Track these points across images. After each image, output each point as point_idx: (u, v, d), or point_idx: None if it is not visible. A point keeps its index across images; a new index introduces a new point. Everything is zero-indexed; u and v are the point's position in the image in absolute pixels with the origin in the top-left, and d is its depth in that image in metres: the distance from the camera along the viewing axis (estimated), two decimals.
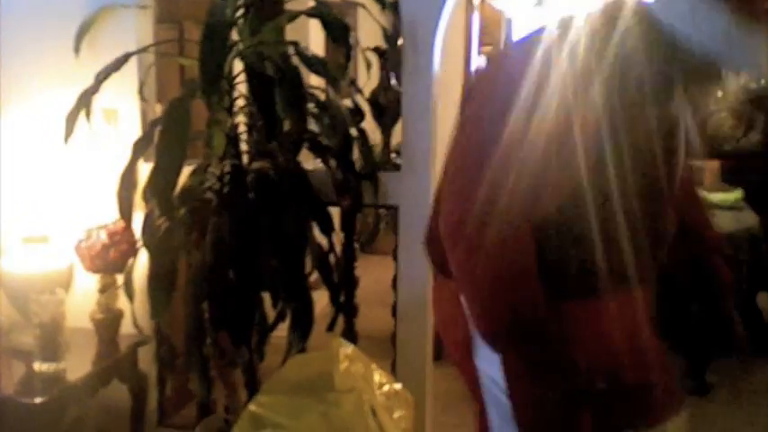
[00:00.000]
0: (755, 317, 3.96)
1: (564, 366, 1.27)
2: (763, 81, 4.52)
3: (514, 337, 1.26)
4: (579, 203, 1.24)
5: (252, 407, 1.64)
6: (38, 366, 2.23)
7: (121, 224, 2.33)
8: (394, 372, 2.58)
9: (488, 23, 8.96)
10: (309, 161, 2.43)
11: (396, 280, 2.59)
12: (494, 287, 1.21)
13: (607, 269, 1.27)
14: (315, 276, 2.33)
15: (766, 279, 3.91)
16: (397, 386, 1.91)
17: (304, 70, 2.24)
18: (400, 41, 2.49)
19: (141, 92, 2.46)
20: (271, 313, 2.28)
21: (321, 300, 2.36)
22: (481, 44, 8.16)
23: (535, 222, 1.21)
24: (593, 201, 1.24)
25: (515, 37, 9.16)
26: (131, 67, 2.34)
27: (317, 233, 2.33)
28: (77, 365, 2.32)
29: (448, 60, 2.84)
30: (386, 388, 1.90)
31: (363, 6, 2.38)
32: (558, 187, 1.23)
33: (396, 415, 1.85)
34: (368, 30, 2.75)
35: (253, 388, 2.16)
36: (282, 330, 2.28)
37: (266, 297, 2.26)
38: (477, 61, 7.44)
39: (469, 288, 1.28)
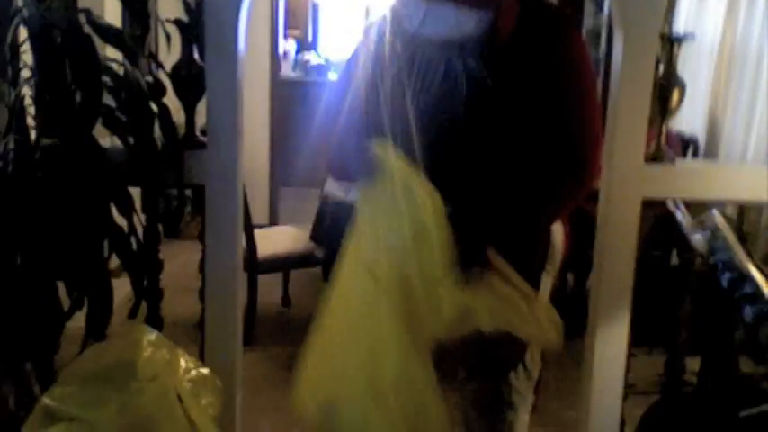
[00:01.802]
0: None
1: None
2: None
3: None
4: None
5: (45, 400, 1.54)
6: None
7: None
8: (202, 358, 2.49)
9: (295, 7, 8.95)
10: (106, 138, 2.28)
11: (203, 263, 2.50)
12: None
13: None
14: (117, 262, 2.20)
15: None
16: (205, 371, 1.86)
17: (99, 43, 2.11)
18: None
19: None
20: (66, 301, 2.13)
21: (125, 286, 2.24)
22: (287, 27, 8.14)
23: None
24: None
25: (323, 22, 9.22)
26: None
27: (115, 215, 2.20)
28: None
29: (253, 40, 2.78)
30: (193, 373, 1.85)
31: None
32: None
33: (204, 401, 1.81)
34: (168, 1, 2.63)
35: (47, 381, 2.01)
36: (80, 320, 2.14)
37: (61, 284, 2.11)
38: (284, 44, 7.41)
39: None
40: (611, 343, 2.51)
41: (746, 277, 1.19)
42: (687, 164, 3.44)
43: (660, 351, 3.39)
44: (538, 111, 1.86)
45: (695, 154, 4.58)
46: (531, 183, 1.89)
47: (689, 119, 4.77)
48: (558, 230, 2.10)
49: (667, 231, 3.50)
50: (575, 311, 3.28)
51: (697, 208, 3.26)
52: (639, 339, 2.70)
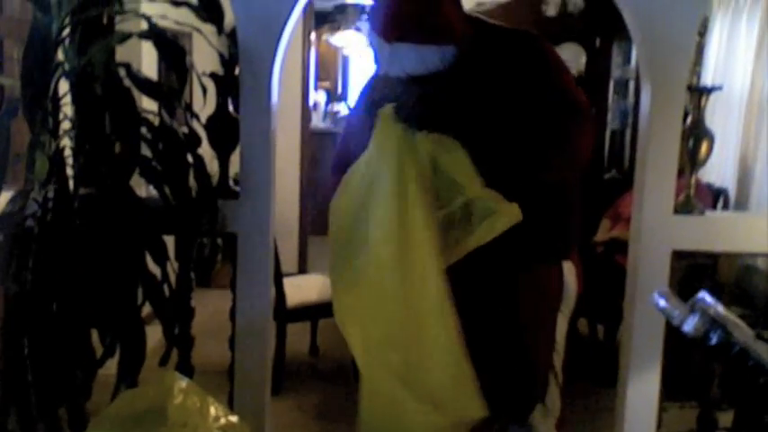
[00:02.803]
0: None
1: None
2: None
3: None
4: None
5: None
6: None
7: None
8: (231, 405, 2.50)
9: (325, 60, 9.10)
10: (142, 188, 2.33)
11: (233, 311, 2.53)
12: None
13: None
14: (150, 309, 2.23)
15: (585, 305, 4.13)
16: (234, 419, 1.86)
17: (137, 94, 2.17)
18: (237, 70, 2.46)
19: None
20: (99, 347, 2.16)
21: (156, 333, 2.26)
22: (318, 79, 8.27)
23: None
24: None
25: (353, 74, 9.36)
26: None
27: (149, 263, 2.23)
28: None
29: (285, 91, 2.84)
30: (222, 421, 1.84)
31: (199, 31, 2.33)
32: None
33: None
34: (204, 55, 2.70)
35: (78, 427, 2.03)
36: (111, 368, 2.16)
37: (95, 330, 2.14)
38: (314, 95, 7.52)
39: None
40: (643, 395, 2.48)
41: (748, 352, 1.17)
42: (717, 215, 3.41)
43: (692, 405, 3.33)
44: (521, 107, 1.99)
45: (725, 205, 4.54)
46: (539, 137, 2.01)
47: (719, 170, 4.74)
48: (570, 270, 2.14)
49: (699, 283, 3.46)
50: (606, 362, 3.26)
51: (728, 260, 3.23)
52: (672, 393, 2.67)
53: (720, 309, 1.21)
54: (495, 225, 1.89)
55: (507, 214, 1.88)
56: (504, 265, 2.00)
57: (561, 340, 2.17)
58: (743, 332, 1.18)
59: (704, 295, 1.25)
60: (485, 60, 2.02)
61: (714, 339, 1.19)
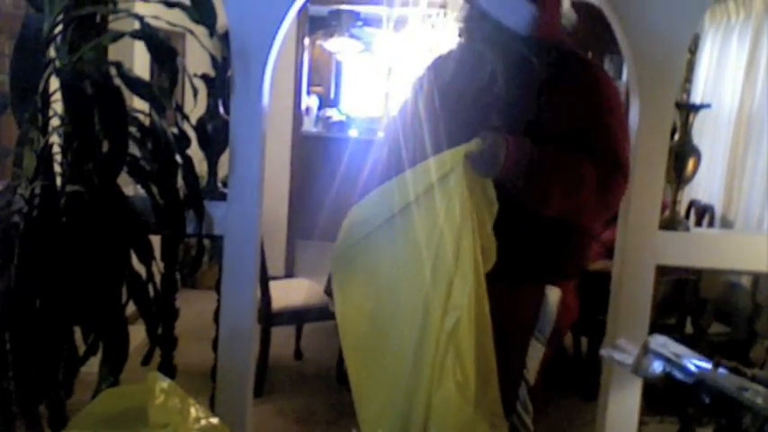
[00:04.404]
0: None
1: None
2: None
3: None
4: None
5: None
6: None
7: None
8: (213, 407, 2.50)
9: (319, 65, 9.11)
10: (129, 187, 2.33)
11: (218, 313, 2.52)
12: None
13: None
14: (134, 308, 2.22)
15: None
16: (215, 421, 1.86)
17: (128, 94, 2.16)
18: (229, 72, 2.46)
19: None
20: (82, 345, 2.15)
21: (139, 333, 2.26)
22: (311, 84, 8.27)
23: None
24: None
25: (345, 79, 9.37)
26: None
27: (135, 262, 2.23)
28: None
29: (276, 95, 2.84)
30: (203, 423, 1.84)
31: (192, 32, 2.33)
32: None
33: None
34: (196, 56, 2.70)
35: (58, 424, 2.02)
36: (93, 366, 2.15)
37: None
38: (306, 100, 7.52)
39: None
40: (623, 409, 2.49)
41: (715, 389, 1.18)
42: (702, 232, 3.44)
43: (672, 420, 3.35)
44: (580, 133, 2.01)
45: (711, 223, 4.57)
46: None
47: (706, 187, 4.78)
48: (554, 297, 2.11)
49: (682, 298, 3.48)
50: (589, 376, 3.27)
51: (711, 277, 3.24)
52: (651, 407, 2.68)
53: (674, 347, 1.22)
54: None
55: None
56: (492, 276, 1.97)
57: (533, 368, 2.10)
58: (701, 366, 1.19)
59: (654, 336, 1.26)
60: (557, 79, 2.04)
61: (679, 380, 1.20)
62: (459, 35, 2.18)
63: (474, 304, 1.90)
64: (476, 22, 2.08)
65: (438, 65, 2.26)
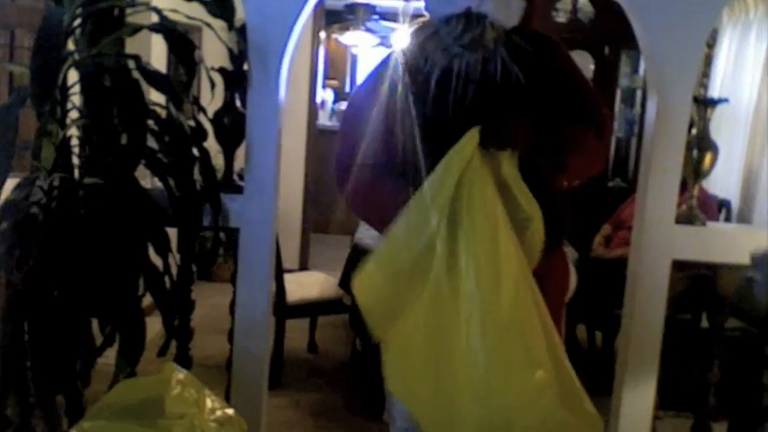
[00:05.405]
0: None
1: None
2: None
3: None
4: None
5: None
6: None
7: None
8: (228, 399, 2.51)
9: (334, 58, 9.11)
10: (147, 179, 2.35)
11: (233, 305, 2.54)
12: None
13: None
14: (150, 300, 2.24)
15: (584, 312, 4.14)
16: (230, 412, 1.88)
17: (145, 86, 2.18)
18: (246, 66, 2.47)
19: None
20: (99, 337, 2.17)
21: (155, 325, 2.27)
22: (326, 77, 8.29)
23: None
24: None
25: (360, 73, 9.37)
26: None
27: (151, 254, 2.24)
28: None
29: (292, 89, 2.85)
30: (218, 414, 1.86)
31: (209, 26, 2.34)
32: None
33: None
34: (213, 50, 2.71)
35: (76, 415, 2.04)
36: (110, 357, 2.17)
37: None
38: (322, 94, 7.53)
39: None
40: (638, 404, 2.49)
41: None
42: (718, 226, 3.42)
43: (687, 415, 3.33)
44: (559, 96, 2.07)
45: (728, 217, 4.55)
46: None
47: (723, 182, 4.75)
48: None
49: (698, 293, 3.46)
50: (603, 370, 3.26)
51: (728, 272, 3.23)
52: (666, 402, 2.67)
53: None
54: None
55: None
56: None
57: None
58: None
59: None
60: (521, 55, 2.06)
61: None
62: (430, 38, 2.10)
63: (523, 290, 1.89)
64: (467, 26, 2.04)
65: (409, 67, 2.12)
